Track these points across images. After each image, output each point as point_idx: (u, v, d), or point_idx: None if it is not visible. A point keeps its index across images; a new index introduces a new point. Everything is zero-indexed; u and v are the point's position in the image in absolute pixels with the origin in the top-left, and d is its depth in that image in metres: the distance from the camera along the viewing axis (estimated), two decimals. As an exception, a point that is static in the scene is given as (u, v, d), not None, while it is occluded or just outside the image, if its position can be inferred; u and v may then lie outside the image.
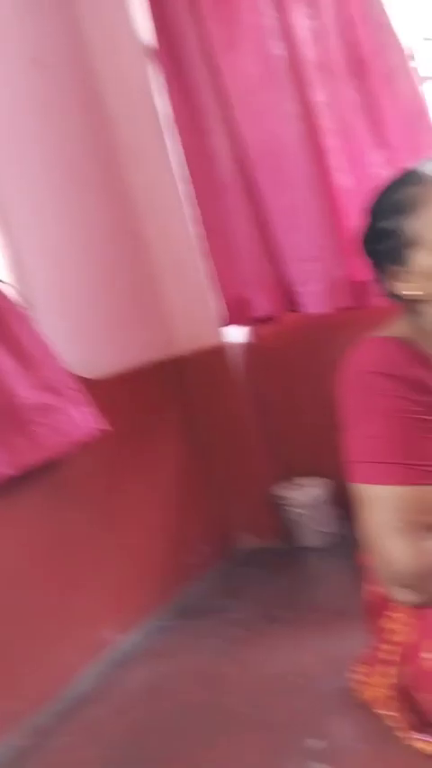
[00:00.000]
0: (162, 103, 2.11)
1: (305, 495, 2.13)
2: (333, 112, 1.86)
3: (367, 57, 1.78)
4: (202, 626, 1.73)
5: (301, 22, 1.84)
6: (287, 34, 1.85)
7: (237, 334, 2.25)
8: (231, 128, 1.99)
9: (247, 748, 1.15)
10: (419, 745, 0.99)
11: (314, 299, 1.98)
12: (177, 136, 2.09)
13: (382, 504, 0.99)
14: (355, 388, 1.07)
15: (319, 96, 1.86)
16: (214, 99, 2.00)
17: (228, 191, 2.03)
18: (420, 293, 1.06)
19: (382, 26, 1.75)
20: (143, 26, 2.08)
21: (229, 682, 1.41)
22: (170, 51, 2.05)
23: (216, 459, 2.24)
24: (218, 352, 2.21)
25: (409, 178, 1.06)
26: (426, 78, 1.74)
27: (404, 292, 1.08)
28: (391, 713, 1.04)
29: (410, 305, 1.10)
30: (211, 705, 1.33)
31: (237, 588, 1.95)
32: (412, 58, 1.74)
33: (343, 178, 1.87)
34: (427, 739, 0.99)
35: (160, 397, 2.14)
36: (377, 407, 1.03)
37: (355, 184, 1.84)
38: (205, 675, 1.46)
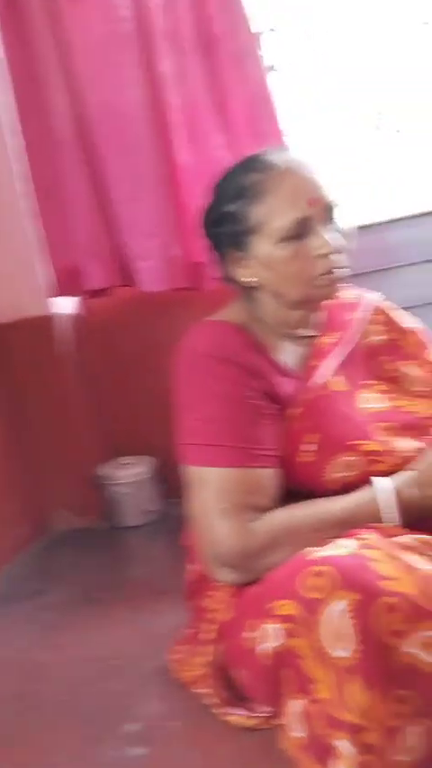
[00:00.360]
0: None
1: (129, 473, 2.11)
2: (177, 86, 1.83)
3: (217, 35, 1.77)
4: (14, 612, 1.64)
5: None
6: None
7: (66, 306, 2.15)
8: (71, 83, 1.87)
9: (63, 738, 1.11)
10: (234, 719, 1.03)
11: (149, 276, 1.95)
12: (11, 84, 1.91)
13: (209, 486, 1.00)
14: (189, 371, 1.07)
15: (165, 67, 1.82)
16: (55, 50, 1.86)
17: (64, 150, 1.90)
18: (257, 280, 1.08)
19: (233, 6, 1.75)
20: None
21: (43, 669, 1.35)
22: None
23: (37, 434, 2.13)
24: (44, 323, 2.09)
25: (255, 164, 1.07)
26: (270, 67, 1.78)
27: (242, 278, 1.10)
28: (208, 691, 1.07)
29: (247, 291, 1.12)
30: (25, 695, 1.27)
31: (53, 570, 1.88)
32: (259, 45, 1.76)
33: (184, 154, 1.85)
34: (242, 713, 1.03)
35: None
36: (210, 391, 1.04)
37: (196, 163, 1.83)
38: (17, 664, 1.39)
